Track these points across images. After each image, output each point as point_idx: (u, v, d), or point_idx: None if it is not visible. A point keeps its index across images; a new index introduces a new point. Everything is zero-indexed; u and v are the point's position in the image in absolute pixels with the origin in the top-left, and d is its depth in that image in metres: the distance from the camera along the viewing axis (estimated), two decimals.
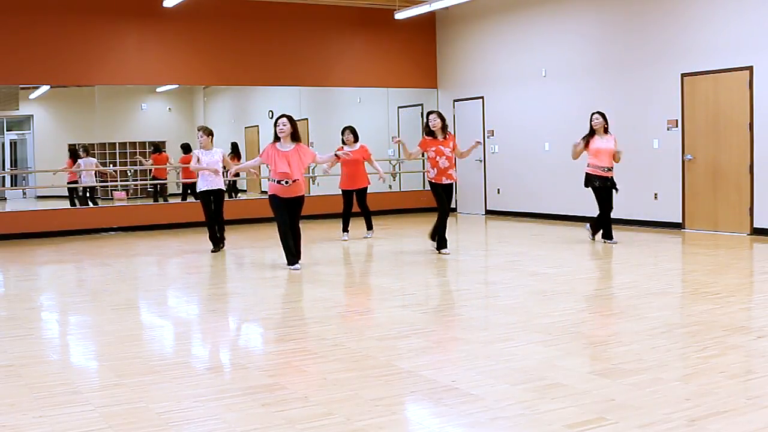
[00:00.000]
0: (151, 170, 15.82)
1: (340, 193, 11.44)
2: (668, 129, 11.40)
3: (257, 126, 18.51)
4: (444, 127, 9.27)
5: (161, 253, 10.83)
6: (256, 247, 10.93)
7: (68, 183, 14.90)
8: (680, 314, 6.08)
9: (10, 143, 18.41)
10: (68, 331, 6.23)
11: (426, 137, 9.30)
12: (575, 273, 8.07)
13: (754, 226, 10.42)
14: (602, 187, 9.86)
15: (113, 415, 3.80)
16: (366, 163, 11.29)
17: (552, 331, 5.34)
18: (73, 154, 14.94)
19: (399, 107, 16.48)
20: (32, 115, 17.73)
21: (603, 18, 12.45)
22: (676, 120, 11.26)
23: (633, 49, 11.88)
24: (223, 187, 10.20)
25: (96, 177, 14.99)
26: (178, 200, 15.75)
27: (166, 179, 16.09)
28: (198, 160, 9.88)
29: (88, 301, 7.30)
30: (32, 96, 16.83)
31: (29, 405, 4.00)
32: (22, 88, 15.96)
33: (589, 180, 9.93)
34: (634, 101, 11.94)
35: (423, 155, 9.75)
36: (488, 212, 14.91)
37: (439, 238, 9.46)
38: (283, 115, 8.38)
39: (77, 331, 6.22)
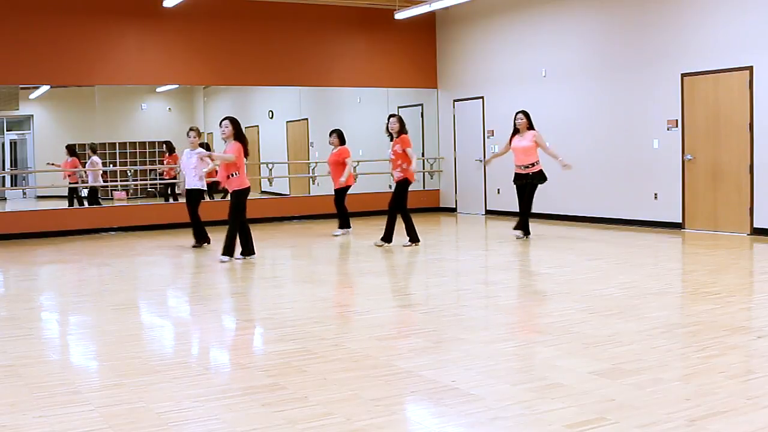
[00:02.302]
0: (162, 171, 15.78)
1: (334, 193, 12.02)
2: (668, 129, 11.39)
3: (257, 126, 18.51)
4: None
5: (161, 253, 10.83)
6: (257, 247, 10.91)
7: (70, 183, 14.84)
8: (680, 314, 6.09)
9: (10, 143, 18.40)
10: (68, 331, 6.23)
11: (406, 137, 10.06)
12: (575, 273, 8.07)
13: (754, 226, 10.41)
14: (519, 185, 10.62)
15: (113, 415, 3.80)
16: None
17: (552, 331, 5.34)
18: (72, 152, 14.86)
19: (399, 107, 16.46)
20: (32, 115, 17.72)
21: (603, 18, 12.45)
22: (676, 120, 11.26)
23: (633, 49, 11.88)
24: (197, 187, 10.84)
25: (101, 177, 14.99)
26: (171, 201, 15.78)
27: (176, 179, 16.07)
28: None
29: (88, 301, 7.30)
30: (32, 96, 16.81)
31: (29, 405, 4.00)
32: (22, 88, 15.94)
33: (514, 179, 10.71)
34: (634, 101, 11.94)
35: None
36: (488, 212, 14.90)
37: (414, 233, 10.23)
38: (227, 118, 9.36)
39: (77, 331, 6.22)
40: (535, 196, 10.67)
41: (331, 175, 11.94)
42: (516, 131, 10.59)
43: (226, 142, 9.36)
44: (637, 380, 4.17)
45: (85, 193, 15.19)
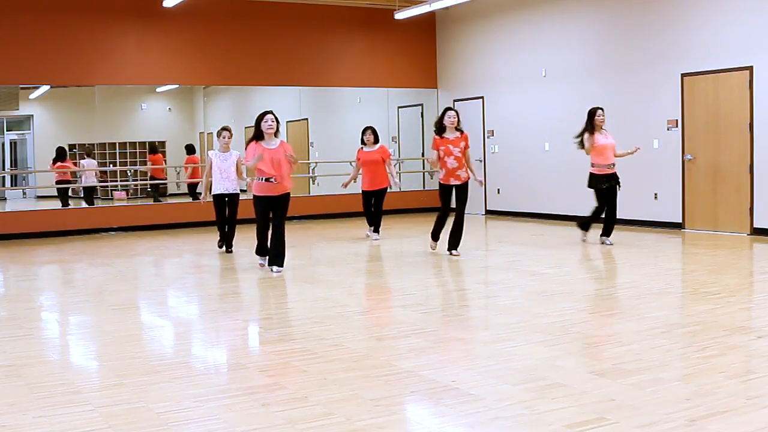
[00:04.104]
0: (147, 171, 15.83)
1: (354, 193, 11.49)
2: (668, 129, 11.39)
3: None
4: (457, 125, 9.00)
5: (161, 253, 10.83)
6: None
7: (57, 183, 14.87)
8: (680, 314, 6.08)
9: (10, 143, 18.40)
10: (68, 331, 6.23)
11: (435, 136, 9.00)
12: (575, 273, 8.08)
13: (754, 226, 10.41)
14: (607, 187, 9.65)
15: (113, 415, 3.80)
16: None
17: (552, 331, 5.34)
18: (60, 156, 14.83)
19: (399, 107, 16.47)
20: (32, 115, 17.72)
21: (603, 18, 12.45)
22: (676, 120, 11.26)
23: (633, 49, 11.88)
24: (238, 192, 9.98)
25: (97, 178, 15.05)
26: (176, 200, 15.80)
27: (163, 179, 16.09)
28: (210, 163, 9.77)
29: (88, 301, 7.30)
30: (32, 96, 16.82)
31: (29, 405, 4.00)
32: (22, 88, 15.95)
33: (597, 181, 9.65)
34: (634, 101, 11.94)
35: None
36: (488, 212, 14.91)
37: (452, 238, 9.17)
38: (269, 112, 8.22)
39: (77, 331, 6.22)
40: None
41: (363, 174, 11.05)
42: (594, 129, 9.65)
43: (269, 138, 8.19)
44: (637, 380, 4.17)
45: (81, 193, 15.22)
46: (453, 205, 9.13)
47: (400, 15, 13.96)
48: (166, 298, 7.61)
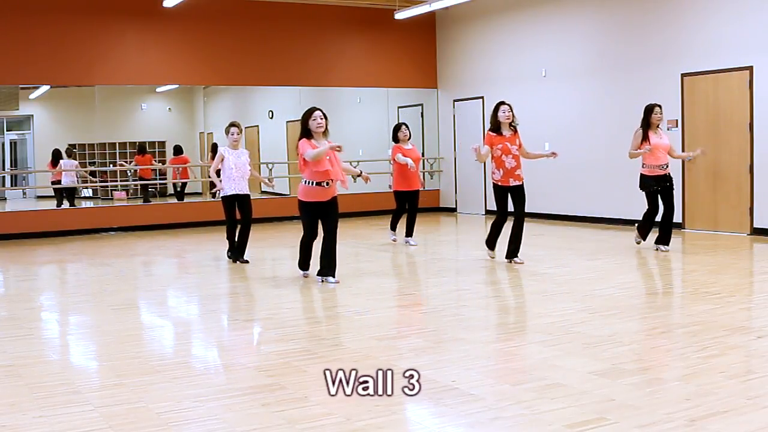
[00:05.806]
0: (136, 171, 15.84)
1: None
2: (668, 129, 11.38)
3: (257, 126, 18.52)
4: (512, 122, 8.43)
5: (161, 253, 10.83)
6: (257, 247, 10.93)
7: (52, 183, 15.03)
8: (680, 314, 6.09)
9: (10, 143, 18.42)
10: (68, 331, 6.23)
11: (491, 133, 8.38)
12: (575, 273, 8.07)
13: (754, 226, 10.41)
14: (660, 188, 9.13)
15: (113, 415, 3.80)
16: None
17: (552, 331, 5.34)
18: (55, 157, 14.92)
19: (399, 107, 16.47)
20: (32, 115, 17.73)
21: (603, 18, 12.45)
22: (676, 120, 11.26)
23: (633, 48, 11.88)
24: (249, 192, 9.16)
25: (78, 178, 15.11)
26: (174, 201, 15.81)
27: (151, 179, 16.12)
28: (222, 159, 8.92)
29: (88, 301, 7.30)
30: (32, 96, 16.83)
31: (29, 405, 4.00)
32: (22, 88, 15.97)
33: (647, 183, 9.16)
34: (634, 101, 11.91)
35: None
36: (488, 212, 14.89)
37: (514, 245, 8.56)
38: (317, 108, 7.40)
39: (77, 331, 6.22)
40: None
41: (400, 173, 10.28)
42: (649, 127, 9.02)
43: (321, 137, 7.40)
44: (637, 380, 4.17)
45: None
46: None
47: (400, 15, 13.96)
48: (166, 298, 7.61)
